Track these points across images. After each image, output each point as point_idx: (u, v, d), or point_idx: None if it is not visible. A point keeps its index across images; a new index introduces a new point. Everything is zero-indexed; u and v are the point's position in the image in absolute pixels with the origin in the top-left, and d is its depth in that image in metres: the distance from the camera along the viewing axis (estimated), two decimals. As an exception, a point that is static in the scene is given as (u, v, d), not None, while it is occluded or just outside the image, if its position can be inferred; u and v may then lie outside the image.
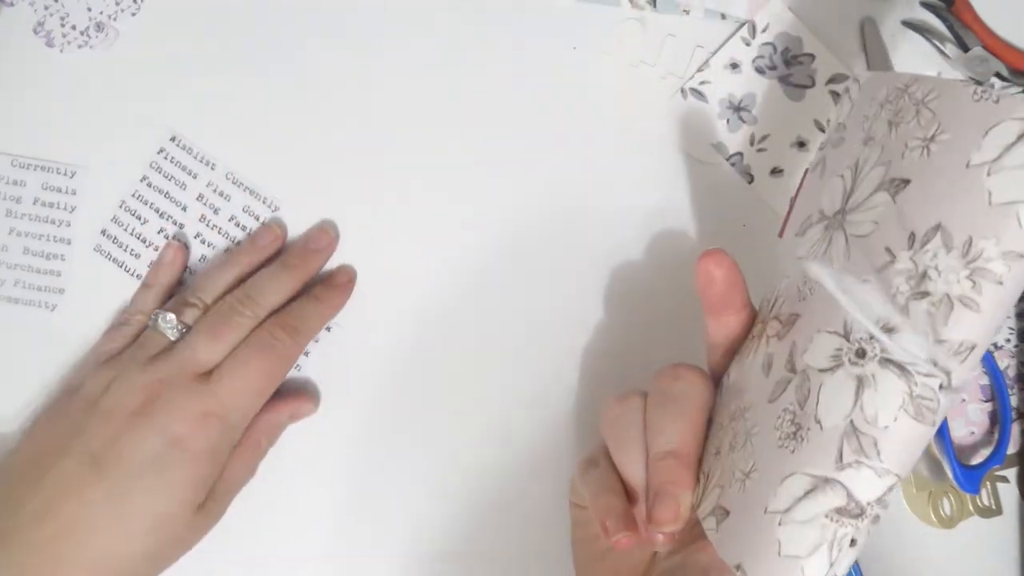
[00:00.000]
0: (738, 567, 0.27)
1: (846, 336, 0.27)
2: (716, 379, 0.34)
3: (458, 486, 0.42)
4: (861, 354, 0.26)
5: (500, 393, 0.42)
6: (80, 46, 0.43)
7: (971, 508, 0.43)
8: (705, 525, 0.30)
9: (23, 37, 0.42)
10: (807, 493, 0.26)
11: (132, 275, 0.41)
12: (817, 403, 0.27)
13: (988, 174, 0.24)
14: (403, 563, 0.41)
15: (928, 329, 0.25)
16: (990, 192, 0.24)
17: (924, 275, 0.25)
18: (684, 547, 0.33)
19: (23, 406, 0.41)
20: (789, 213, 0.35)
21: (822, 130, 0.43)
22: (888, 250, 0.26)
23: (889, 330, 0.26)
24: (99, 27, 0.43)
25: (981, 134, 0.24)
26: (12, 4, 0.43)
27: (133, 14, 0.43)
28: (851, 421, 0.26)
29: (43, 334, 0.41)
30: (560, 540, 0.38)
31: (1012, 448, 0.43)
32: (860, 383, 0.26)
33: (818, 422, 0.27)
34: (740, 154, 0.43)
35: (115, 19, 0.43)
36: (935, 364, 0.25)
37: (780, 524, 0.27)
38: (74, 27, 0.43)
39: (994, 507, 0.43)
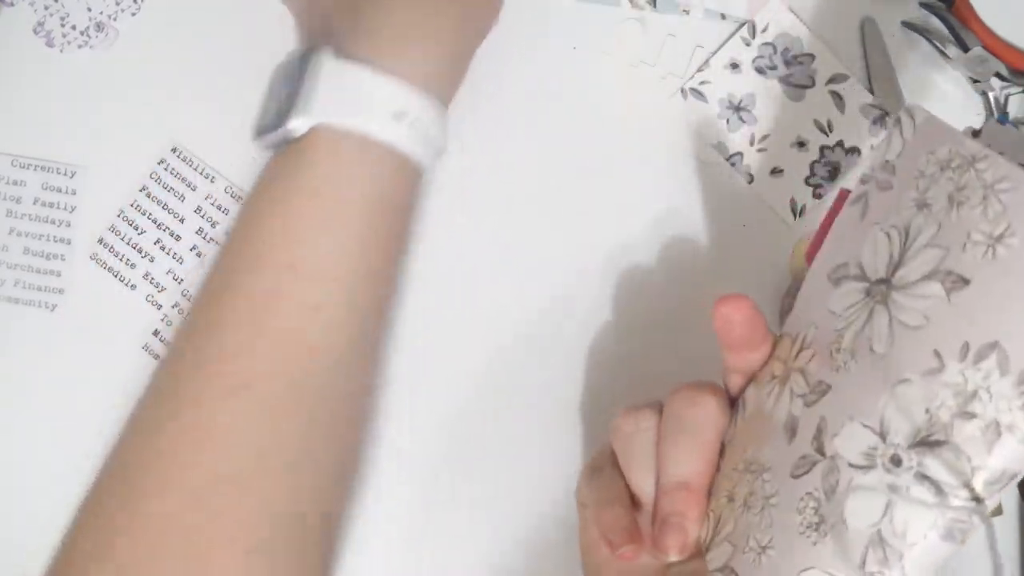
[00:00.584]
0: None
1: (882, 436, 0.26)
2: (734, 398, 0.34)
3: (462, 487, 0.42)
4: (896, 461, 0.25)
5: (506, 393, 0.42)
6: (80, 46, 0.43)
7: (971, 508, 0.43)
8: None
9: (23, 37, 0.42)
10: None
11: (127, 285, 0.41)
12: (846, 501, 0.26)
13: None
14: (404, 563, 0.41)
15: (971, 453, 0.23)
16: None
17: (974, 395, 0.24)
18: (698, 555, 0.32)
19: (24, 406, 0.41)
20: (819, 236, 0.33)
21: (822, 130, 0.43)
22: (937, 354, 0.25)
23: (929, 444, 0.24)
24: (99, 27, 0.43)
25: None
26: (12, 4, 0.43)
27: (133, 14, 0.43)
28: (879, 530, 0.25)
29: (43, 334, 0.41)
30: (573, 540, 0.38)
31: (1012, 448, 0.43)
32: (893, 492, 0.25)
33: (844, 521, 0.26)
34: (740, 154, 0.43)
35: (115, 19, 0.43)
36: (972, 489, 0.24)
37: None
38: (74, 27, 0.43)
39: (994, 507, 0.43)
